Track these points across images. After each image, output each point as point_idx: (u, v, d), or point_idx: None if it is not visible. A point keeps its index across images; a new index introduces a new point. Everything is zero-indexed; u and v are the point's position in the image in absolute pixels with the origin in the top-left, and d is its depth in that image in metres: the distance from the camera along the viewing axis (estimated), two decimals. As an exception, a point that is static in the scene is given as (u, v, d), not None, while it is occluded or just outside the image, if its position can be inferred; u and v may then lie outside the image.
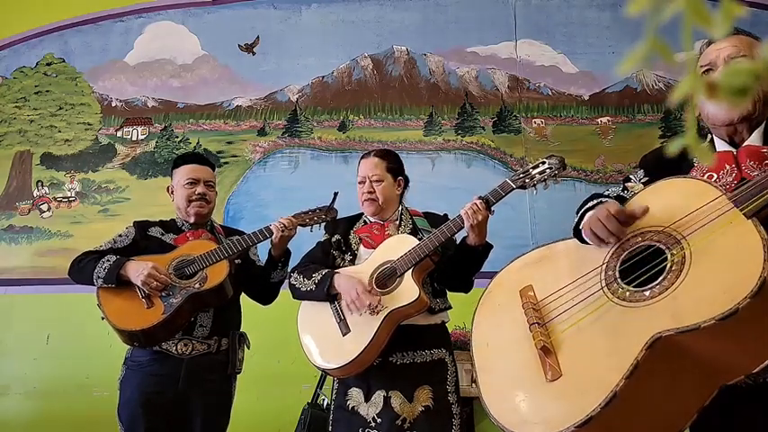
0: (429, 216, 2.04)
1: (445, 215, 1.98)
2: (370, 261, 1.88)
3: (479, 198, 1.77)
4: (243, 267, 2.17)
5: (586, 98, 3.77)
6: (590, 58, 3.79)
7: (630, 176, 1.41)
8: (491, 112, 3.77)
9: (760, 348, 1.00)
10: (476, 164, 3.69)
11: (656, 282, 1.09)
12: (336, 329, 1.80)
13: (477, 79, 3.83)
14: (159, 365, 1.99)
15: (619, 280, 1.16)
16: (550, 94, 3.79)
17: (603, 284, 1.18)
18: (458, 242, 1.87)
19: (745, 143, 1.23)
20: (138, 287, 1.96)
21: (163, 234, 2.16)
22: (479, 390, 1.23)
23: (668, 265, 1.09)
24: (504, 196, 1.78)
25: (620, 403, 1.00)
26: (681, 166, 1.26)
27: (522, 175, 1.77)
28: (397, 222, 2.00)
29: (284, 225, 2.04)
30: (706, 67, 1.24)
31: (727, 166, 1.21)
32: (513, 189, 1.77)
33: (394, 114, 3.79)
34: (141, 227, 2.18)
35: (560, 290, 1.23)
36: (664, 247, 1.12)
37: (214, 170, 2.28)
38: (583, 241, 1.29)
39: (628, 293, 1.12)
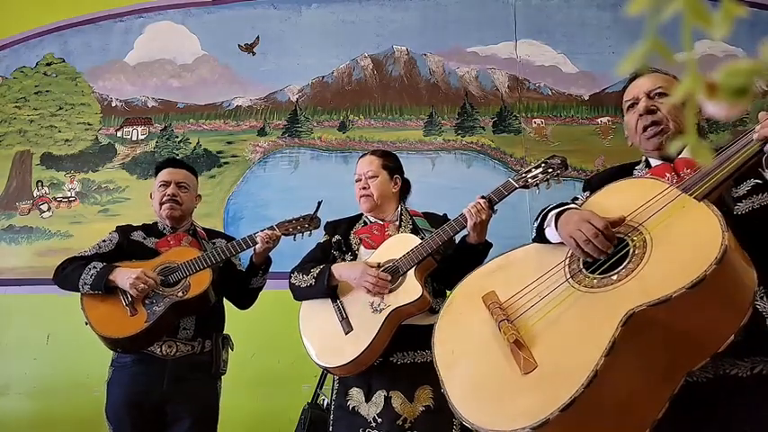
0: (429, 216, 2.05)
1: (445, 215, 1.99)
2: (371, 260, 1.88)
3: (482, 197, 1.77)
4: (223, 271, 2.17)
5: (586, 98, 3.77)
6: (590, 58, 3.79)
7: (577, 197, 1.48)
8: (491, 112, 3.77)
9: (726, 321, 1.02)
10: (476, 164, 3.69)
11: (622, 266, 1.11)
12: (339, 328, 1.80)
13: (477, 79, 3.83)
14: (144, 367, 2.01)
15: (584, 271, 1.18)
16: (550, 94, 3.79)
17: (569, 277, 1.19)
18: (457, 242, 1.88)
19: (680, 156, 1.33)
20: (123, 294, 1.97)
21: (145, 238, 2.18)
22: (450, 400, 1.17)
23: (631, 250, 1.12)
24: (506, 196, 1.78)
25: (600, 384, 0.99)
26: None
27: (524, 175, 1.79)
28: (397, 223, 2.00)
29: (269, 237, 2.07)
30: (630, 102, 1.42)
31: (668, 175, 1.30)
32: (516, 188, 1.78)
33: (394, 114, 3.79)
34: (124, 231, 2.20)
35: (524, 288, 1.23)
36: (623, 236, 1.16)
37: (195, 174, 2.29)
38: (544, 241, 1.31)
39: (595, 281, 1.14)
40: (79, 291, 2.00)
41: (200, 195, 2.33)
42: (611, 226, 1.17)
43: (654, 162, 1.40)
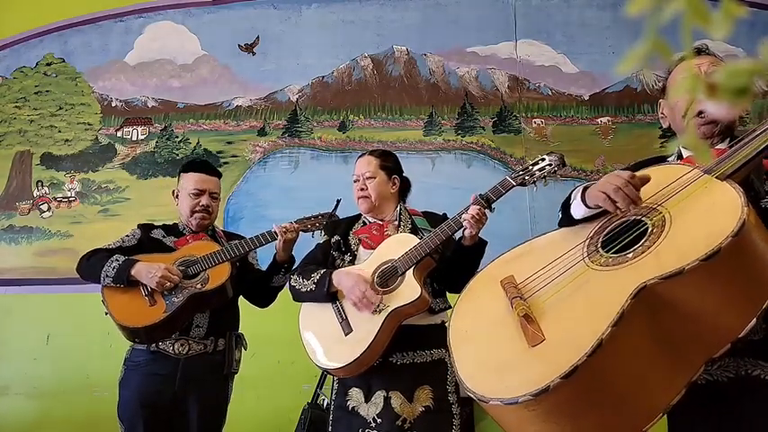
0: (428, 215, 2.04)
1: (444, 215, 1.98)
2: (370, 260, 1.88)
3: (480, 195, 1.77)
4: (241, 270, 2.18)
5: (586, 98, 3.77)
6: (590, 58, 3.79)
7: None
8: (491, 112, 3.77)
9: (745, 303, 0.99)
10: (476, 164, 3.69)
11: (639, 244, 1.10)
12: (339, 329, 1.80)
13: (477, 79, 3.83)
14: (157, 365, 2.01)
15: (601, 250, 1.17)
16: (550, 94, 3.79)
17: (585, 256, 1.18)
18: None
19: (715, 148, 1.30)
20: (143, 285, 1.99)
21: (164, 236, 2.20)
22: (457, 373, 1.18)
23: (649, 229, 1.10)
24: (504, 194, 1.78)
25: (606, 356, 0.96)
26: None
27: (522, 173, 1.78)
28: (397, 222, 2.00)
29: (286, 228, 2.08)
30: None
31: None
32: (514, 186, 1.78)
33: (394, 114, 3.79)
34: (145, 228, 2.22)
35: (541, 269, 1.22)
36: (641, 217, 1.15)
37: (220, 178, 2.31)
38: (569, 220, 1.30)
39: (610, 260, 1.13)
40: (100, 282, 2.02)
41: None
42: (642, 182, 1.16)
43: (686, 153, 1.37)
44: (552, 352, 1.04)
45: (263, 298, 2.25)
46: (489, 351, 1.17)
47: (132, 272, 1.97)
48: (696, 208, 1.07)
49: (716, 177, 1.09)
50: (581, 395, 0.99)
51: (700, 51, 1.36)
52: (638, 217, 1.16)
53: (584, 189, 1.28)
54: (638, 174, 1.18)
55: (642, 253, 1.07)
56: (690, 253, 0.97)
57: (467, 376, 1.14)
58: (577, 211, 1.29)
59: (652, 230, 1.09)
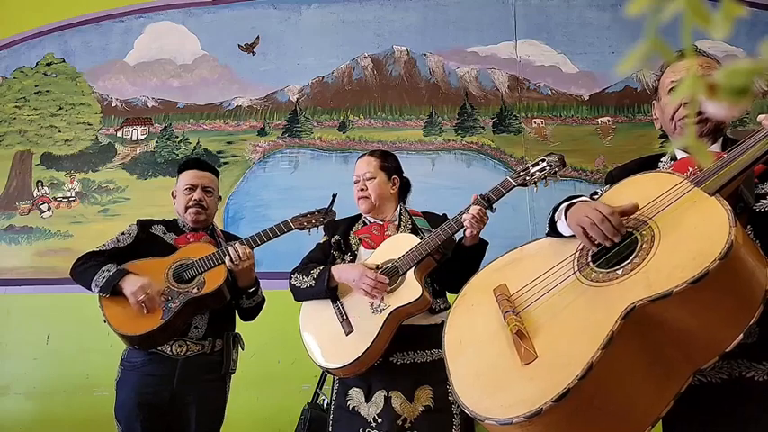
0: (428, 216, 2.05)
1: (444, 215, 1.99)
2: (371, 260, 1.88)
3: (481, 196, 1.77)
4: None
5: (586, 98, 3.77)
6: (590, 58, 3.79)
7: (598, 191, 1.45)
8: (491, 112, 3.77)
9: (734, 319, 1.00)
10: (476, 164, 3.69)
11: (628, 260, 1.10)
12: (339, 329, 1.80)
13: (477, 79, 3.82)
14: (154, 366, 2.00)
15: (591, 264, 1.17)
16: (550, 94, 3.79)
17: (576, 269, 1.19)
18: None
19: (708, 150, 1.29)
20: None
21: (164, 233, 2.18)
22: (453, 387, 1.19)
23: (639, 245, 1.11)
24: (505, 194, 1.79)
25: (597, 377, 0.98)
26: None
27: (522, 173, 1.79)
28: (397, 223, 2.00)
29: (239, 256, 2.01)
30: (679, 83, 1.31)
31: (691, 169, 1.27)
32: (514, 186, 1.79)
33: (394, 114, 3.79)
34: (144, 225, 2.19)
35: (533, 281, 1.23)
36: (632, 230, 1.15)
37: (217, 176, 2.28)
38: (557, 234, 1.31)
39: (601, 275, 1.13)
40: (91, 290, 2.01)
41: (220, 196, 2.32)
42: (624, 214, 1.16)
43: (680, 155, 1.37)
44: (545, 372, 1.05)
45: (242, 315, 2.23)
46: (483, 366, 1.18)
47: (120, 283, 1.95)
48: (685, 225, 1.07)
49: (705, 192, 1.09)
50: (573, 415, 1.01)
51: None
52: (629, 229, 1.16)
53: (568, 208, 1.28)
54: (623, 207, 1.16)
55: (632, 270, 1.07)
56: (678, 274, 0.98)
57: (463, 393, 1.16)
58: (564, 230, 1.29)
59: (641, 246, 1.10)
